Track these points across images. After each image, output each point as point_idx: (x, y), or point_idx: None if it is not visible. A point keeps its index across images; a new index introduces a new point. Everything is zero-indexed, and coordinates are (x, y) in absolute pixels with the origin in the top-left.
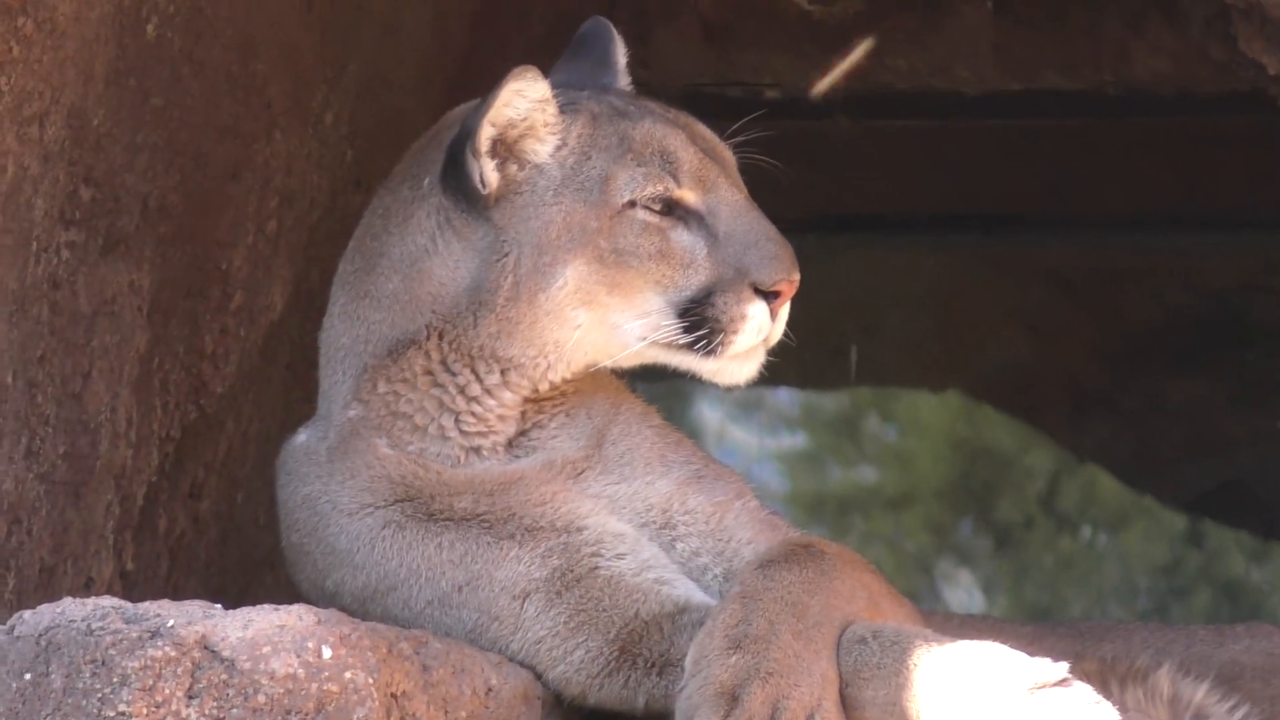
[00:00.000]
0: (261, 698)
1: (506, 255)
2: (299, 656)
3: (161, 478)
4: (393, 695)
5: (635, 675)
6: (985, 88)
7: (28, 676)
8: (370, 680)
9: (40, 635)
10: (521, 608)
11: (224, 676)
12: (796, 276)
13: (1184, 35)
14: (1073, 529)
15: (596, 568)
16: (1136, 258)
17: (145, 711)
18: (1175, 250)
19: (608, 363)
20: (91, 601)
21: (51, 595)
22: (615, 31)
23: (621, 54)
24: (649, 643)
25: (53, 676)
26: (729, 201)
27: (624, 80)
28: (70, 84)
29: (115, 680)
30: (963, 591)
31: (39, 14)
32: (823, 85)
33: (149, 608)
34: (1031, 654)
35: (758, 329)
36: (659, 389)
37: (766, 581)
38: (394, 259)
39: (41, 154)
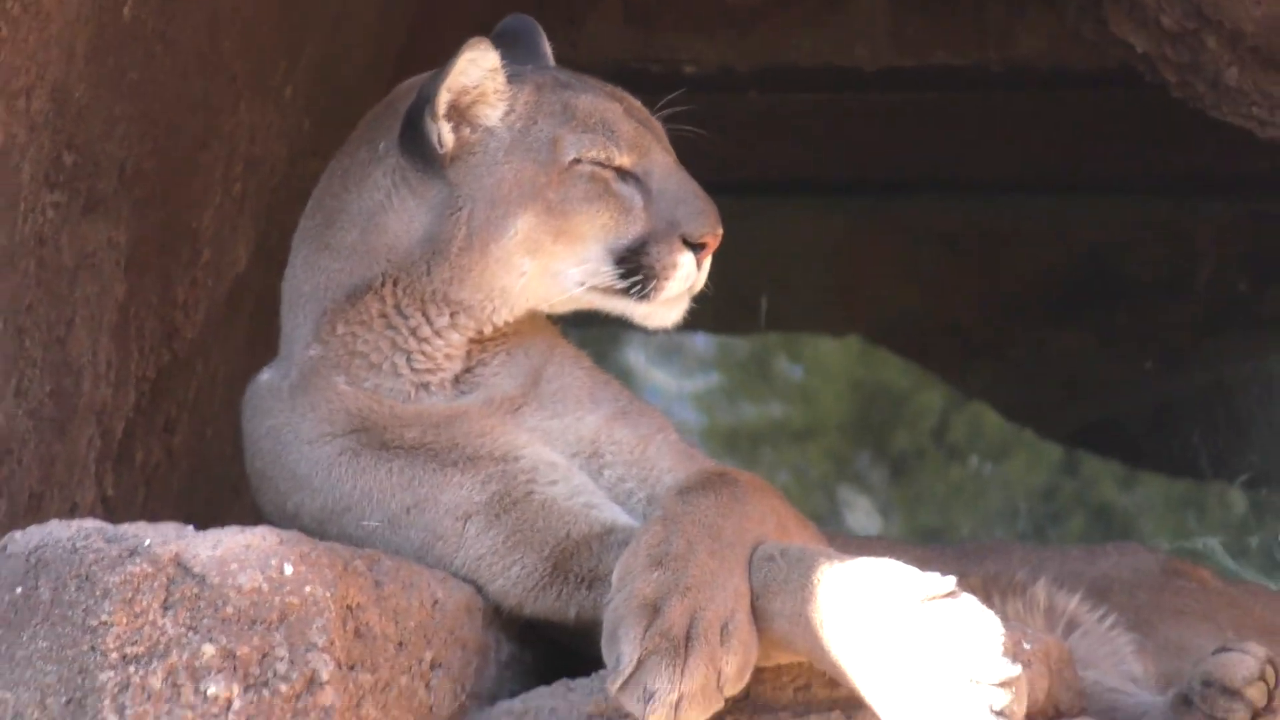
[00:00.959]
0: (230, 609)
1: (460, 209)
2: (263, 573)
3: (138, 414)
4: (348, 607)
5: (567, 589)
6: (881, 65)
7: (19, 590)
8: (328, 594)
9: (30, 553)
10: (464, 528)
11: (196, 590)
12: (720, 231)
13: (1060, 18)
14: (960, 459)
15: (531, 493)
16: (1017, 219)
17: (125, 621)
18: (1052, 212)
19: (545, 308)
20: (76, 523)
21: (40, 519)
22: (538, 25)
23: (547, 46)
24: (579, 560)
25: (41, 590)
26: (661, 164)
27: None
28: (54, 61)
29: (98, 593)
30: (862, 515)
31: None
32: None
33: (128, 529)
34: (923, 570)
35: (686, 277)
36: (589, 334)
37: (685, 506)
38: (352, 214)
39: (28, 124)
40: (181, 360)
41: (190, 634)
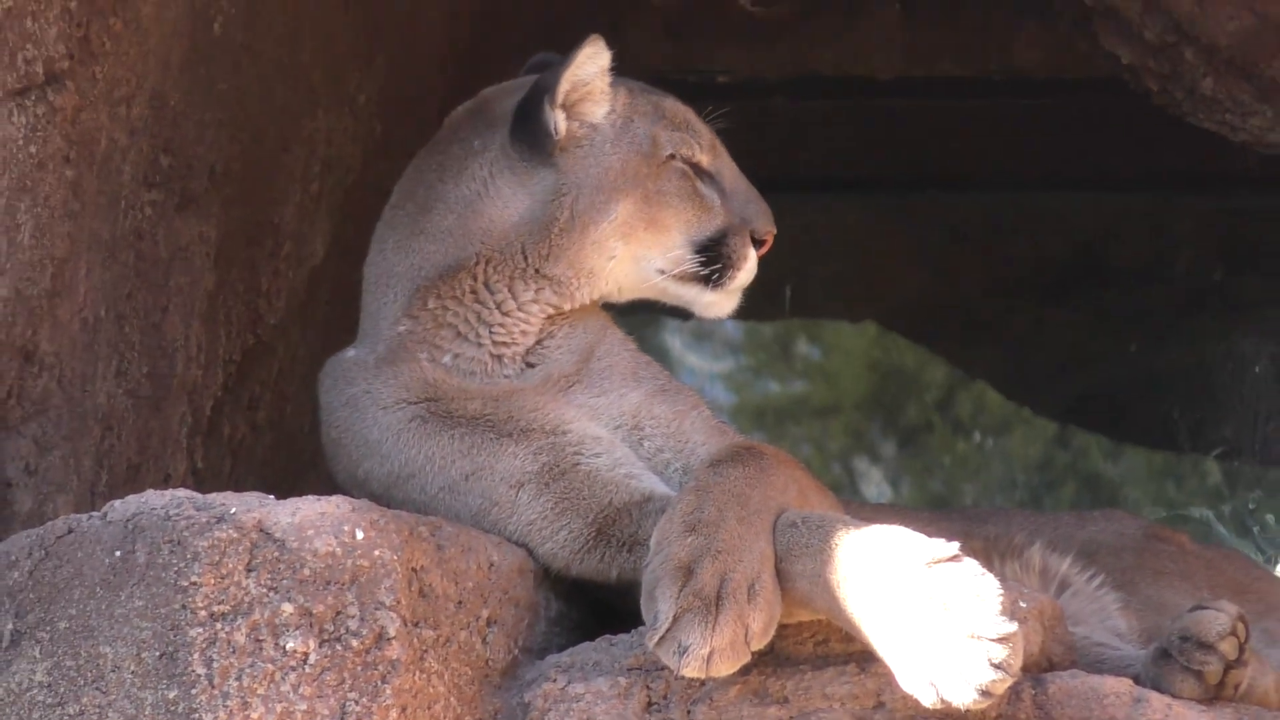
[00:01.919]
0: (307, 571)
1: (565, 195)
2: (337, 538)
3: (225, 393)
4: (413, 569)
5: (609, 552)
6: (895, 74)
7: (118, 554)
8: (395, 557)
9: (128, 520)
10: (517, 495)
11: (276, 554)
12: (774, 230)
13: (1055, 31)
14: (964, 433)
15: (578, 464)
16: (1017, 211)
17: (212, 582)
18: (1049, 205)
19: (615, 295)
20: (169, 493)
21: (137, 488)
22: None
23: None
24: (621, 526)
25: (138, 553)
26: (729, 167)
27: None
28: (152, 72)
29: (188, 556)
30: (875, 484)
31: (126, 14)
32: None
33: (215, 498)
34: (930, 535)
35: (750, 269)
36: (628, 321)
37: (716, 477)
38: (449, 202)
39: (129, 129)
40: (265, 344)
41: (271, 594)
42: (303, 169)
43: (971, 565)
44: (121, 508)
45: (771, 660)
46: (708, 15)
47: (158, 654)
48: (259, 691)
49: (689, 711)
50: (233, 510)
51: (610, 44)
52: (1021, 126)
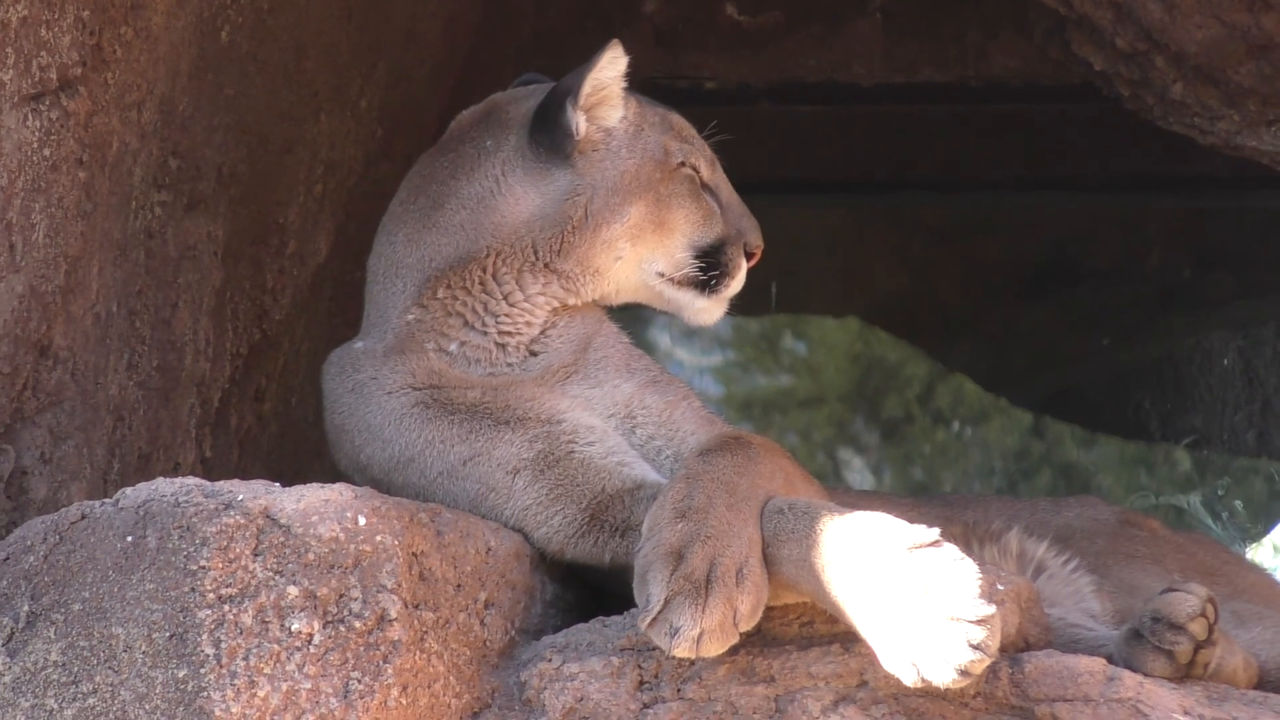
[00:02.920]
0: (311, 555)
1: (580, 195)
2: (340, 524)
3: (233, 385)
4: (413, 554)
5: (603, 537)
6: (876, 81)
7: (130, 539)
8: (396, 542)
9: (139, 506)
10: (513, 481)
11: (282, 539)
12: (763, 245)
13: (1029, 40)
14: (944, 424)
15: (572, 452)
16: (995, 213)
17: (220, 566)
18: (1024, 207)
19: (614, 297)
20: (179, 480)
21: (147, 476)
22: (548, 80)
23: None
24: (614, 511)
25: (149, 538)
26: (725, 182)
27: None
28: (161, 78)
29: (197, 541)
30: (858, 473)
31: (137, 24)
32: None
33: (223, 485)
34: (911, 522)
35: (741, 279)
36: (621, 317)
37: (706, 465)
38: (463, 198)
39: (139, 133)
40: (270, 338)
41: (277, 577)
42: (306, 171)
43: (951, 550)
44: (133, 495)
45: (759, 641)
46: (697, 24)
47: (168, 635)
48: (265, 671)
49: (679, 690)
50: (240, 497)
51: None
52: (998, 131)
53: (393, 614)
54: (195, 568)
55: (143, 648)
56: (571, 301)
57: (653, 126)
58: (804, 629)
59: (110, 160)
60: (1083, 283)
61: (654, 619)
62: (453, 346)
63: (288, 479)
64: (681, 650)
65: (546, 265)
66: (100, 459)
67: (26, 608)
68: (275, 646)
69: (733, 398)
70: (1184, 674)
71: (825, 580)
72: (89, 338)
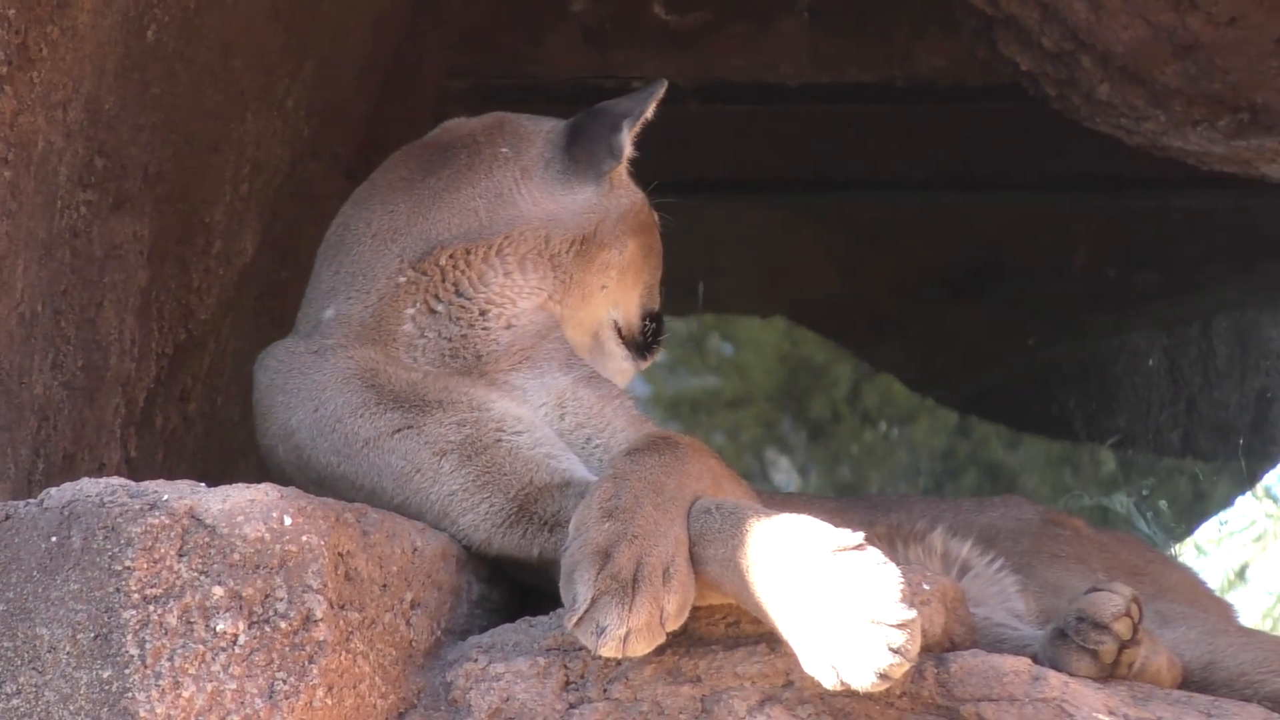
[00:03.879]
0: (237, 556)
1: (594, 214)
2: (266, 524)
3: (158, 385)
4: (339, 554)
5: (531, 530)
6: (803, 80)
7: (54, 539)
8: (322, 542)
9: (64, 507)
10: (439, 464)
11: (207, 539)
12: None
13: (956, 40)
14: (871, 424)
15: (500, 440)
16: (922, 212)
17: (145, 566)
18: (951, 207)
19: (568, 327)
20: (104, 481)
21: (72, 476)
22: None
23: None
24: (542, 505)
25: (73, 539)
26: None
27: None
28: (88, 77)
29: (122, 542)
30: (785, 473)
31: (63, 22)
32: None
33: (148, 485)
34: (837, 524)
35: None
36: None
37: (633, 465)
38: (479, 188)
39: (65, 132)
40: (196, 338)
41: (202, 577)
42: (233, 170)
43: (874, 554)
44: (58, 495)
45: (685, 641)
46: (624, 23)
47: (93, 635)
48: (190, 671)
49: (605, 690)
50: (165, 497)
51: (529, 51)
52: (925, 131)
53: (318, 614)
54: (120, 568)
55: (67, 648)
56: (550, 305)
57: (635, 181)
58: (730, 629)
59: (35, 159)
60: (1009, 282)
61: (580, 618)
62: (440, 307)
63: (213, 479)
64: (608, 650)
65: (552, 258)
66: (25, 459)
67: None
68: (200, 647)
69: (660, 398)
70: (1109, 673)
71: (749, 581)
72: (13, 337)
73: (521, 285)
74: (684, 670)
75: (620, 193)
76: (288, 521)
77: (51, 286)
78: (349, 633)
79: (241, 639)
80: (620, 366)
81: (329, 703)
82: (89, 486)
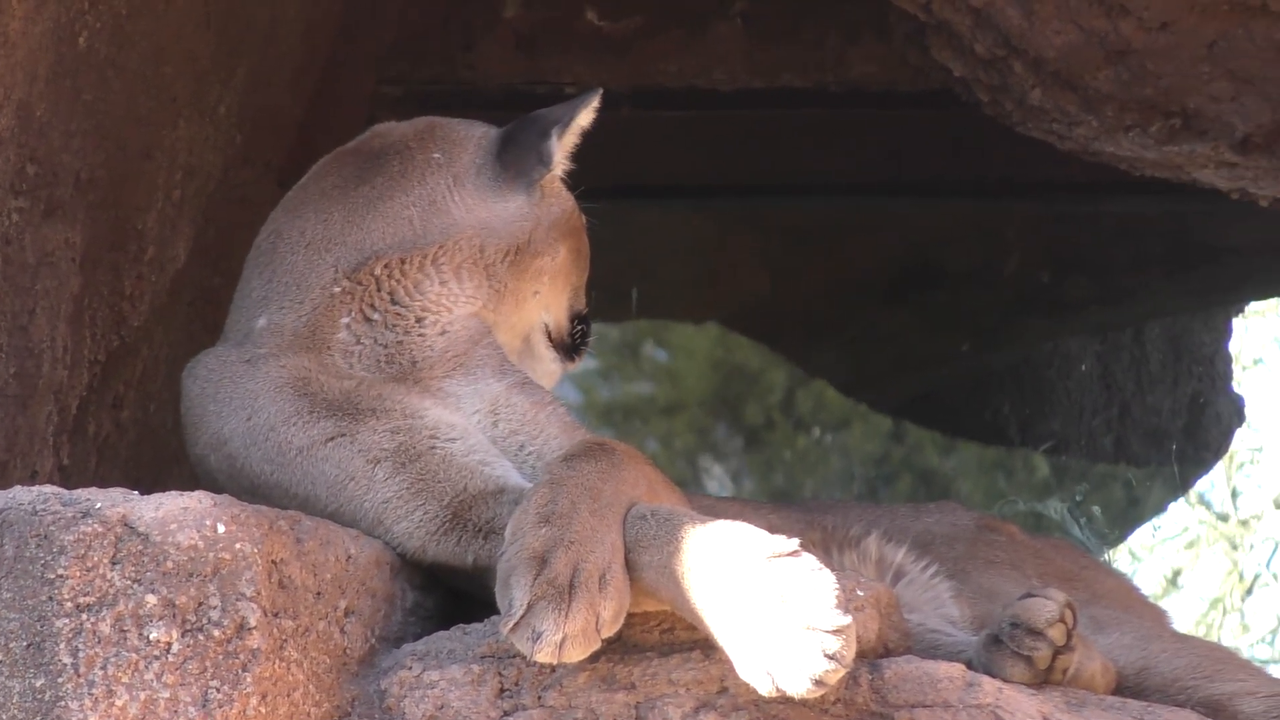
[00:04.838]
0: (170, 563)
1: (527, 222)
2: (199, 532)
3: (91, 392)
4: (273, 561)
5: (465, 537)
6: (737, 86)
7: None
8: (255, 550)
9: None
10: (373, 471)
11: (140, 547)
12: None
13: (890, 46)
14: (805, 430)
15: (433, 447)
16: (856, 217)
17: (78, 574)
18: (884, 211)
19: (499, 328)
20: (36, 489)
21: (5, 485)
22: None
23: None
24: (477, 512)
25: (5, 547)
26: None
27: None
28: (19, 84)
29: (55, 550)
30: (718, 480)
31: None
32: None
33: (81, 493)
34: (771, 529)
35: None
36: None
37: (569, 471)
38: (412, 196)
39: None
40: (129, 345)
41: (135, 585)
42: (165, 177)
43: (809, 560)
44: None
45: (620, 648)
46: (557, 29)
47: (25, 644)
48: (123, 680)
49: (539, 697)
50: (98, 505)
51: (462, 57)
52: (859, 136)
53: (252, 622)
54: (53, 576)
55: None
56: (484, 312)
57: (566, 189)
58: (665, 635)
59: None
60: (942, 287)
61: (516, 624)
62: (375, 316)
63: (146, 487)
64: (544, 655)
65: (487, 267)
66: None
67: None
68: (133, 655)
69: (593, 405)
70: (1043, 679)
71: (685, 587)
72: None
73: (458, 294)
74: (619, 677)
75: (552, 201)
76: (221, 529)
77: None
78: (283, 641)
79: (175, 647)
80: (549, 369)
81: (263, 711)
82: (21, 494)
